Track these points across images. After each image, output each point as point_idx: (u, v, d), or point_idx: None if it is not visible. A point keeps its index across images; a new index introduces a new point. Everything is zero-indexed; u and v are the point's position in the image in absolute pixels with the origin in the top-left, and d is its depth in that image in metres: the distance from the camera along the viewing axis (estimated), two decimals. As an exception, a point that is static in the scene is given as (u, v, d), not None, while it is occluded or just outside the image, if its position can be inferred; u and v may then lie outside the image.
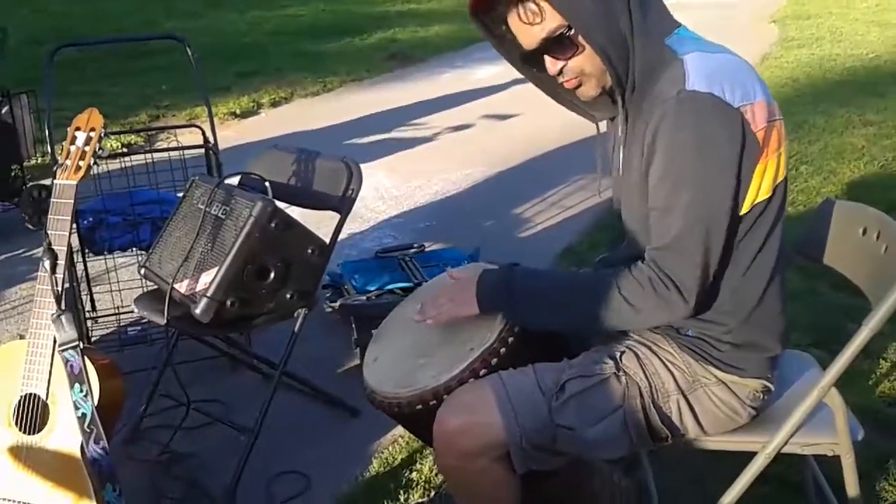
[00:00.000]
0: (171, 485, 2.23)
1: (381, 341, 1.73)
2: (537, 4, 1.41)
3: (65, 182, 1.81)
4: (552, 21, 1.41)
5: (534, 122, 6.00)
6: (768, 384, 1.55)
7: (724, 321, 1.49)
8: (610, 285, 1.44)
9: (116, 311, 2.98)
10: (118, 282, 2.96)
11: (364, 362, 1.69)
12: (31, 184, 4.39)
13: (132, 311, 2.94)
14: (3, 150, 4.23)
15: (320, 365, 2.84)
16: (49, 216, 1.80)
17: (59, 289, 1.77)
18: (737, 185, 1.39)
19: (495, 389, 1.46)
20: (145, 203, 2.87)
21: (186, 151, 2.85)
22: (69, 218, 1.79)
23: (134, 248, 2.92)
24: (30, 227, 4.28)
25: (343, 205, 2.36)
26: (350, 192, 2.36)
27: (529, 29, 1.43)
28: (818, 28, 9.47)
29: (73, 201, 1.80)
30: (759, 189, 1.42)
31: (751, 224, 1.45)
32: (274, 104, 7.16)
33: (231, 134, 5.81)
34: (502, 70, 7.91)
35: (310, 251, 2.21)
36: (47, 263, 1.78)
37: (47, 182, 4.45)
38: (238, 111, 6.75)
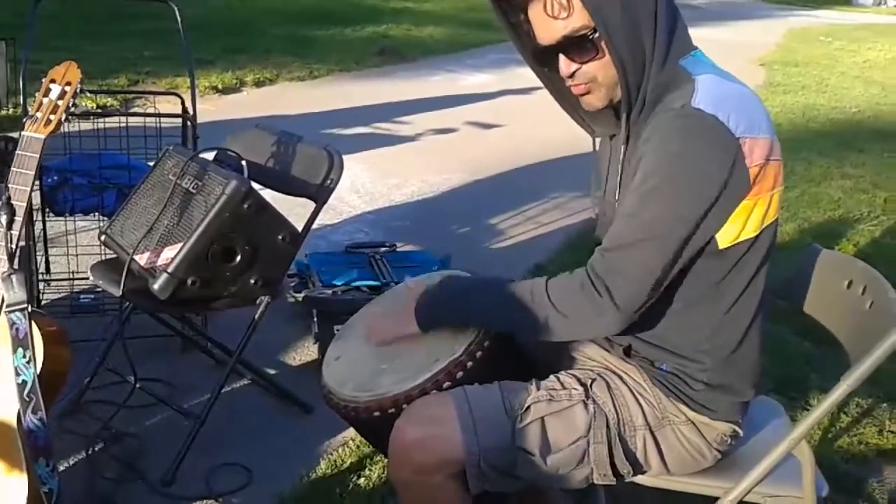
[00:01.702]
0: (107, 464, 2.13)
1: (345, 341, 1.66)
2: None
3: (32, 135, 1.72)
4: (578, 20, 1.35)
5: (516, 136, 5.97)
6: (737, 429, 1.51)
7: (701, 359, 1.45)
8: (540, 290, 1.38)
9: (71, 276, 2.87)
10: (76, 246, 2.85)
11: (324, 360, 1.61)
12: (-2, 134, 4.25)
13: (87, 278, 2.84)
14: (-27, 97, 4.08)
15: (276, 356, 2.76)
16: (12, 169, 1.70)
17: (14, 246, 1.67)
18: (706, 213, 1.33)
19: (458, 404, 1.40)
20: (114, 168, 2.76)
21: (163, 120, 2.75)
22: (33, 173, 1.70)
23: (97, 213, 2.82)
24: (-9, 178, 4.14)
25: (320, 194, 2.29)
26: (329, 181, 2.29)
27: (552, 23, 1.37)
28: (805, 76, 9.60)
29: (39, 156, 1.71)
30: (744, 226, 1.37)
31: (734, 262, 1.41)
32: (258, 84, 7.06)
33: (210, 108, 5.69)
34: (491, 79, 7.94)
35: (280, 238, 2.13)
36: (4, 219, 1.69)
37: (16, 135, 4.30)
38: (220, 86, 6.63)
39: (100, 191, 2.75)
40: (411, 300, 1.52)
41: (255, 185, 2.10)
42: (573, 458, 1.43)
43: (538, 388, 1.45)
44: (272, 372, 2.65)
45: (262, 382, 2.54)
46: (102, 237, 2.24)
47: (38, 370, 1.64)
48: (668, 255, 1.34)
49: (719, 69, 1.43)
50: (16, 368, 1.63)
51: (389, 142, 5.56)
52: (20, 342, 1.64)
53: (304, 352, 2.81)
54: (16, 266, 1.67)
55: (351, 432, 2.31)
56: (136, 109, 5.32)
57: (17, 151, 1.72)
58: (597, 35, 1.35)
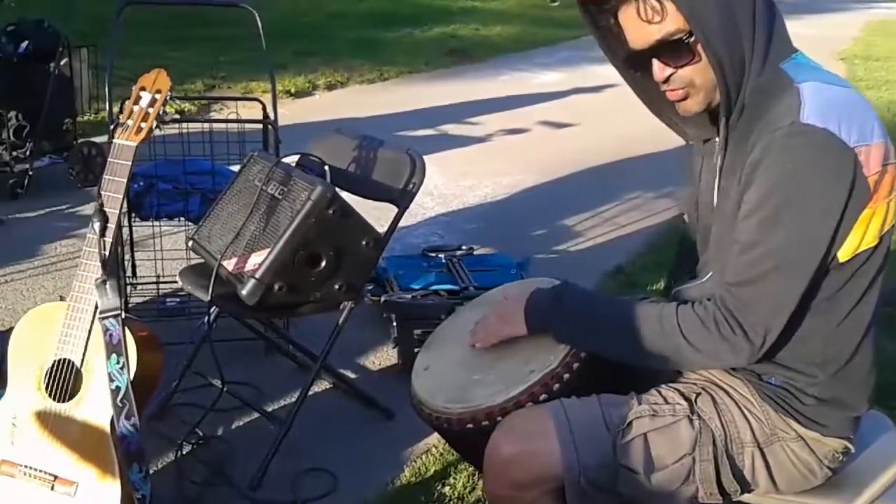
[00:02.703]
0: (195, 467, 2.15)
1: (434, 350, 1.63)
2: (660, 2, 1.29)
3: (124, 142, 1.73)
4: (672, 23, 1.30)
5: (590, 135, 5.88)
6: (849, 445, 1.43)
7: (812, 372, 1.37)
8: (671, 320, 1.34)
9: (157, 280, 2.92)
10: (161, 250, 2.89)
11: (413, 370, 1.59)
12: (81, 140, 4.37)
13: (173, 282, 2.88)
14: (59, 103, 4.20)
15: (355, 360, 2.76)
16: (104, 176, 1.72)
17: (107, 253, 1.69)
18: (835, 233, 1.27)
19: (556, 418, 1.36)
20: (198, 173, 2.80)
21: (243, 125, 2.77)
22: (125, 180, 1.71)
23: (181, 218, 2.86)
24: (77, 183, 4.25)
25: (403, 198, 2.27)
26: (412, 185, 2.27)
27: (645, 27, 1.32)
28: (887, 71, 9.21)
29: (130, 163, 1.72)
30: (863, 236, 1.31)
31: (852, 273, 1.33)
32: (329, 87, 7.12)
33: (284, 112, 5.70)
34: (562, 77, 7.85)
35: (364, 243, 2.12)
36: (97, 226, 1.70)
37: (98, 139, 4.42)
38: (293, 90, 6.71)
39: (185, 196, 2.79)
40: (518, 303, 1.48)
41: (338, 190, 2.09)
42: (678, 475, 1.37)
43: (640, 403, 1.39)
44: (352, 376, 2.64)
45: (344, 387, 2.53)
46: (190, 243, 2.26)
47: (132, 376, 1.66)
48: (801, 283, 1.28)
49: (822, 71, 1.36)
50: (109, 374, 1.65)
51: (461, 143, 5.53)
52: (114, 348, 1.65)
53: (384, 356, 2.79)
54: (108, 272, 1.69)
55: (434, 439, 2.29)
56: (212, 114, 5.42)
57: (109, 159, 1.74)
58: (692, 38, 1.30)
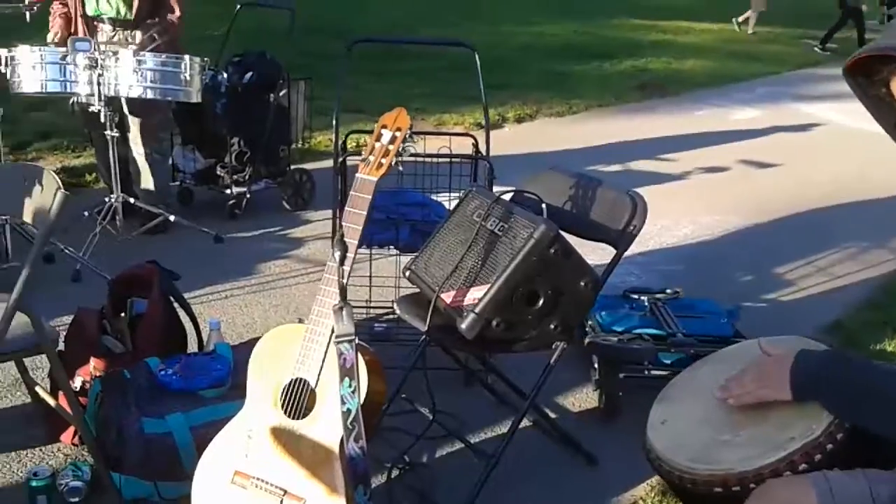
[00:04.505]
0: (404, 493, 2.19)
1: (672, 403, 1.57)
2: None
3: (366, 177, 1.82)
4: None
5: (797, 175, 5.57)
6: None
7: None
8: None
9: (367, 305, 3.02)
10: (370, 276, 3.00)
11: (649, 423, 1.53)
12: (294, 167, 4.64)
13: (381, 307, 2.98)
14: (277, 131, 4.48)
15: (555, 399, 2.72)
16: (346, 208, 1.81)
17: (345, 281, 1.76)
18: None
19: (819, 491, 1.26)
20: (410, 205, 2.89)
21: (452, 158, 2.84)
22: (365, 213, 1.80)
23: (390, 246, 2.95)
24: (288, 207, 4.52)
25: (622, 240, 2.23)
26: (632, 227, 2.22)
27: None
28: None
29: (371, 197, 1.80)
30: None
31: None
32: (518, 120, 7.18)
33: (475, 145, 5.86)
34: (763, 114, 7.51)
35: (582, 284, 2.09)
36: (337, 255, 1.78)
37: (308, 166, 4.69)
38: (483, 123, 6.81)
39: (396, 226, 2.87)
40: (782, 365, 1.40)
41: (558, 230, 2.08)
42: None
43: (911, 482, 1.27)
44: (552, 416, 2.61)
45: (545, 427, 2.50)
46: (407, 273, 2.32)
47: (362, 400, 1.71)
48: None
49: None
50: (342, 397, 1.71)
51: (655, 180, 5.39)
52: (347, 372, 1.72)
53: (584, 398, 2.74)
54: (345, 300, 1.76)
55: (641, 492, 2.21)
56: (409, 145, 5.59)
57: (351, 192, 1.82)
58: None
